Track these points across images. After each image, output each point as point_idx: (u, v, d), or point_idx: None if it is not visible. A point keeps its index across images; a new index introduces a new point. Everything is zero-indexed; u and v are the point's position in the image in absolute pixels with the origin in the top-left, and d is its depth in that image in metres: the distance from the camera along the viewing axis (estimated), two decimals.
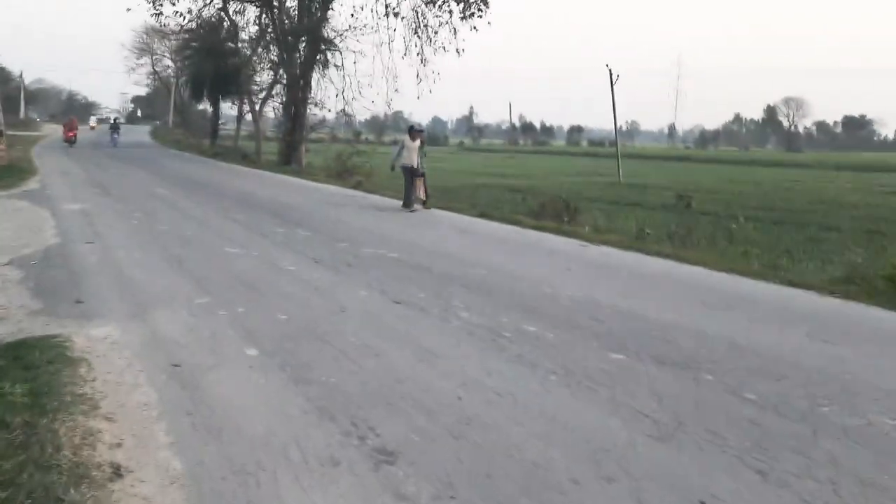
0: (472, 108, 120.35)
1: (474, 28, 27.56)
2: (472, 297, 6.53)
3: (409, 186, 13.87)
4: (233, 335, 5.07)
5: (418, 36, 27.90)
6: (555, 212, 14.15)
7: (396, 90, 32.20)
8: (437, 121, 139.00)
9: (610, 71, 39.61)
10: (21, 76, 77.70)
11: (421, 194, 14.05)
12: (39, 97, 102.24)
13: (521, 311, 6.01)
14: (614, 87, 39.73)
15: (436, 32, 27.73)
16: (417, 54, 27.98)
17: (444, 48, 27.89)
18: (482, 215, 13.48)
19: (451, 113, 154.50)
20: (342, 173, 24.29)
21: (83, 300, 5.93)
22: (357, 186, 18.51)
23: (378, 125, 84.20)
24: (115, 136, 38.65)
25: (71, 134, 35.22)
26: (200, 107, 57.66)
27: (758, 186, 35.53)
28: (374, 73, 38.00)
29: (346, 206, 14.44)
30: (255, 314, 5.65)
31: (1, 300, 5.95)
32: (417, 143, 13.94)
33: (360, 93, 28.90)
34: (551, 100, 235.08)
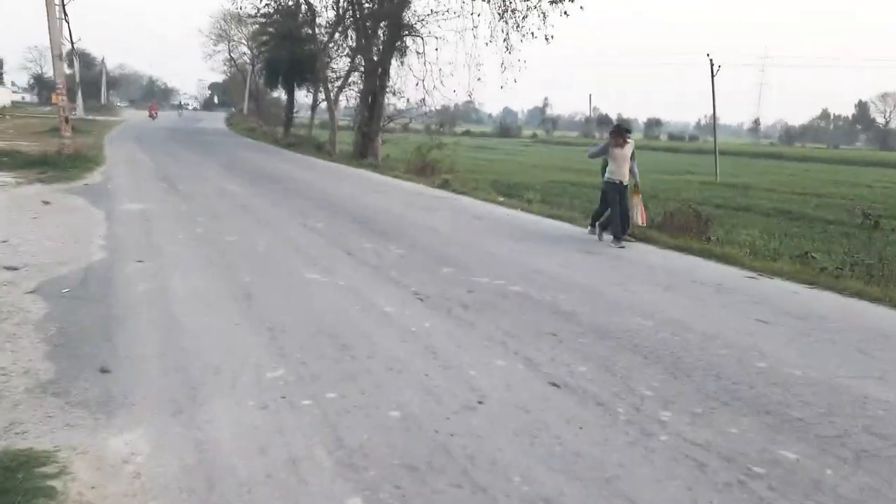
0: (546, 99, 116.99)
1: (565, 13, 25.21)
2: (657, 375, 4.46)
3: (615, 209, 9.84)
4: (324, 461, 3.17)
5: (505, 21, 25.76)
6: (685, 223, 11.88)
7: (479, 79, 30.33)
8: (507, 111, 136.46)
9: (711, 61, 36.56)
10: (103, 62, 79.26)
11: (640, 219, 10.45)
12: (121, 82, 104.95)
13: (755, 413, 3.92)
14: (712, 78, 36.70)
15: (525, 17, 25.51)
16: (504, 40, 25.85)
17: (532, 34, 25.66)
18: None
19: (521, 103, 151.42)
20: (423, 168, 22.51)
21: (111, 368, 4.17)
22: (444, 186, 16.58)
23: (449, 116, 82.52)
24: (180, 113, 55.19)
25: (153, 111, 52.06)
26: (274, 94, 57.14)
27: (871, 190, 32.03)
28: (455, 60, 36.15)
29: (438, 211, 12.51)
30: (352, 407, 3.75)
31: (2, 358, 4.25)
32: (628, 149, 10.12)
33: (441, 81, 27.07)
34: (626, 91, 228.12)
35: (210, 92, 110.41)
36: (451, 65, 26.79)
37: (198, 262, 7.17)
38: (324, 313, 5.56)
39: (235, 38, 61.66)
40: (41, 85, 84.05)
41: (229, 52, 64.49)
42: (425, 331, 5.22)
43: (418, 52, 27.04)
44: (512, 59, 25.97)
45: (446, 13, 27.17)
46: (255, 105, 62.05)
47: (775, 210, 22.22)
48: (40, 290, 5.90)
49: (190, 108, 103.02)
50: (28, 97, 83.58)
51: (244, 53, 62.18)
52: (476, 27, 26.45)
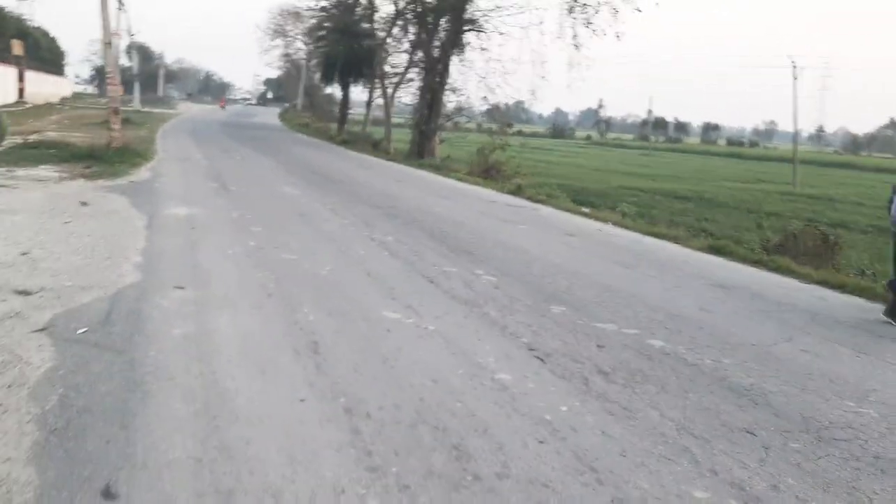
0: (601, 100, 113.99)
1: (637, 10, 23.32)
2: None
3: None
4: None
5: (574, 17, 24.02)
6: (811, 248, 10.11)
7: (543, 77, 28.70)
8: (559, 112, 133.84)
9: (794, 64, 34.14)
10: (162, 56, 79.90)
11: None
12: (179, 76, 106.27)
13: None
14: (793, 82, 34.29)
15: (596, 12, 23.70)
16: (573, 37, 24.11)
17: (603, 31, 23.84)
18: (714, 249, 9.58)
19: (572, 105, 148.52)
20: (487, 170, 20.99)
21: (119, 490, 2.75)
22: (518, 192, 14.99)
23: (500, 116, 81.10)
24: (245, 104, 58.91)
25: (223, 104, 60.22)
26: (328, 90, 56.33)
27: None
28: (519, 57, 34.49)
29: (520, 224, 10.94)
30: None
31: None
32: None
33: (504, 79, 25.52)
34: (682, 94, 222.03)
35: (265, 87, 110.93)
36: (514, 62, 25.04)
37: (250, 292, 5.76)
38: (418, 382, 4.07)
39: (291, 34, 61.05)
40: (101, 77, 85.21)
41: (285, 47, 63.98)
42: (566, 422, 3.67)
43: (482, 48, 25.55)
44: (579, 57, 24.31)
45: (511, 8, 25.69)
46: (308, 101, 61.40)
47: (874, 227, 20.10)
48: (51, 328, 4.57)
49: (245, 102, 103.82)
50: (89, 88, 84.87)
51: (299, 49, 61.58)
52: (542, 23, 24.88)
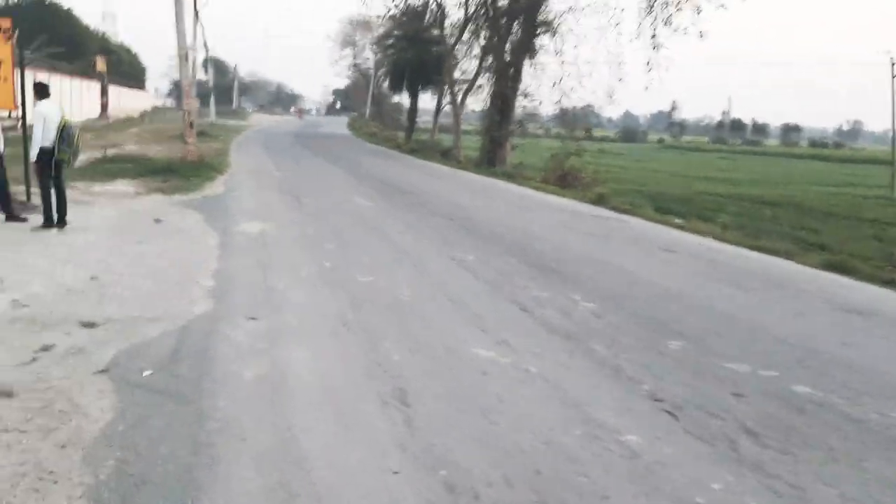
0: (674, 102, 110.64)
1: (722, 6, 21.99)
2: None
3: None
4: None
5: (654, 16, 22.88)
6: None
7: (620, 79, 27.68)
8: (628, 115, 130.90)
9: (892, 62, 31.86)
10: (236, 69, 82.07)
11: None
12: (252, 88, 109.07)
13: None
14: (892, 80, 32.04)
15: (678, 10, 22.49)
16: (652, 37, 22.98)
17: (685, 30, 22.60)
18: (833, 266, 8.54)
19: (642, 107, 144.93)
20: (563, 178, 20.15)
21: None
22: (600, 202, 14.12)
23: (573, 121, 79.65)
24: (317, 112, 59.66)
25: (300, 115, 64.70)
26: (395, 99, 56.48)
27: None
28: (594, 60, 33.43)
29: (609, 238, 10.14)
30: None
31: None
32: None
33: (579, 82, 24.61)
34: (759, 94, 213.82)
35: (333, 97, 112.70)
36: (589, 64, 24.10)
37: (326, 322, 5.22)
38: (529, 446, 3.41)
39: (361, 43, 61.64)
40: (178, 90, 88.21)
41: (354, 57, 64.62)
42: None
43: (556, 51, 24.72)
44: (659, 58, 23.16)
45: (587, 9, 24.79)
46: (376, 110, 61.73)
47: None
48: (115, 369, 4.14)
49: (314, 112, 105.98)
50: (168, 102, 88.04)
51: (368, 58, 62.05)
52: (619, 23, 23.87)
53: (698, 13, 21.69)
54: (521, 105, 26.57)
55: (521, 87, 25.95)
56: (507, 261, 7.96)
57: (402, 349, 4.70)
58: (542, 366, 4.54)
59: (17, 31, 9.39)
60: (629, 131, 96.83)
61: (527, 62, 25.69)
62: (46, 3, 40.30)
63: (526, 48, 25.36)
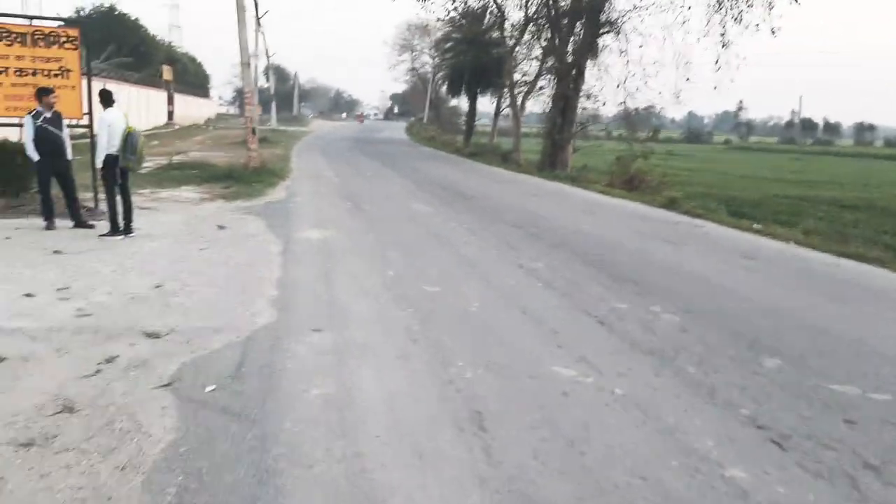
0: (740, 102, 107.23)
1: (796, 1, 20.92)
2: None
3: None
4: None
5: (723, 12, 21.98)
6: None
7: (688, 79, 26.72)
8: (692, 116, 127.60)
9: None
10: (296, 76, 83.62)
11: None
12: (311, 95, 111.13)
13: None
14: None
15: (750, 5, 21.54)
16: (721, 34, 22.08)
17: (756, 26, 21.63)
18: None
19: (706, 108, 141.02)
20: (629, 181, 19.52)
21: None
22: (671, 206, 13.53)
23: (632, 122, 78.22)
24: (374, 117, 72.18)
25: (361, 119, 70.52)
26: (452, 103, 56.45)
27: None
28: (660, 59, 32.54)
29: (685, 244, 9.61)
30: None
31: None
32: None
33: (645, 82, 23.86)
34: (830, 93, 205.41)
35: (391, 102, 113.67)
36: (655, 64, 23.30)
37: (394, 337, 4.96)
38: (623, 481, 3.05)
39: (418, 48, 61.87)
40: (241, 97, 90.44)
41: (412, 61, 64.91)
42: None
43: (621, 51, 24.06)
44: (728, 56, 22.23)
45: (652, 7, 24.08)
46: (434, 114, 61.81)
47: None
48: (178, 384, 3.97)
49: (372, 117, 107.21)
50: (231, 109, 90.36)
51: (426, 63, 62.22)
52: (686, 21, 23.05)
53: (770, 9, 20.77)
54: (583, 107, 26.02)
55: (584, 88, 25.39)
56: (579, 269, 7.57)
57: (474, 366, 4.40)
58: (628, 387, 4.17)
59: (87, 42, 9.50)
60: (694, 132, 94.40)
61: (589, 63, 25.14)
62: (116, 13, 41.70)
63: (588, 48, 24.77)
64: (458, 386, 4.06)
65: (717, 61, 22.15)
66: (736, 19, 21.64)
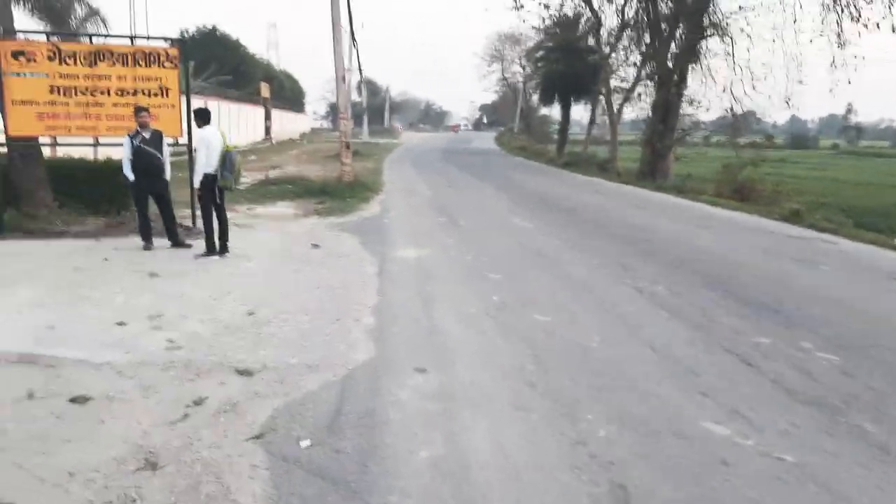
0: (849, 104, 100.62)
1: None
2: None
3: None
4: None
5: (839, 10, 20.24)
6: None
7: (801, 81, 24.90)
8: (795, 120, 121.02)
9: None
10: (387, 89, 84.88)
11: None
12: (402, 107, 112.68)
13: None
14: None
15: (870, 1, 19.75)
16: (838, 35, 20.35)
17: (877, 25, 19.81)
18: None
19: (809, 111, 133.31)
20: (738, 191, 18.19)
21: None
22: (794, 219, 12.32)
23: (738, 127, 74.80)
24: (463, 128, 71.28)
25: (455, 130, 70.76)
26: (542, 111, 55.53)
27: None
28: (769, 62, 30.67)
29: (820, 263, 8.54)
30: None
31: None
32: None
33: (752, 86, 22.34)
34: None
35: (480, 112, 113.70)
36: (765, 66, 21.76)
37: (507, 380, 4.35)
38: None
39: (509, 58, 61.38)
40: (334, 112, 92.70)
41: (502, 71, 64.43)
42: None
43: (727, 53, 22.63)
44: (845, 56, 20.43)
45: (759, 7, 22.53)
46: (524, 123, 61.08)
47: None
48: (269, 435, 3.52)
49: (462, 128, 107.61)
50: (325, 123, 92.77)
51: (516, 72, 61.60)
52: (797, 21, 21.41)
53: (891, 7, 18.94)
54: (685, 113, 24.69)
55: (686, 93, 24.08)
56: (704, 293, 6.74)
57: (607, 421, 3.73)
58: (798, 452, 3.40)
59: (189, 61, 9.48)
60: (799, 137, 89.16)
61: (692, 67, 23.81)
62: (217, 34, 43.35)
63: (691, 52, 23.47)
64: (591, 449, 3.41)
65: (832, 62, 20.46)
66: (854, 18, 19.95)
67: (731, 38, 22.69)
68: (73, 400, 3.94)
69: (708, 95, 25.12)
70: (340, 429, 3.60)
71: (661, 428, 3.67)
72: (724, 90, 22.58)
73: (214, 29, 44.22)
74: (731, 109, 23.08)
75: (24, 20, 15.07)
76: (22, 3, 15.42)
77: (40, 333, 5.03)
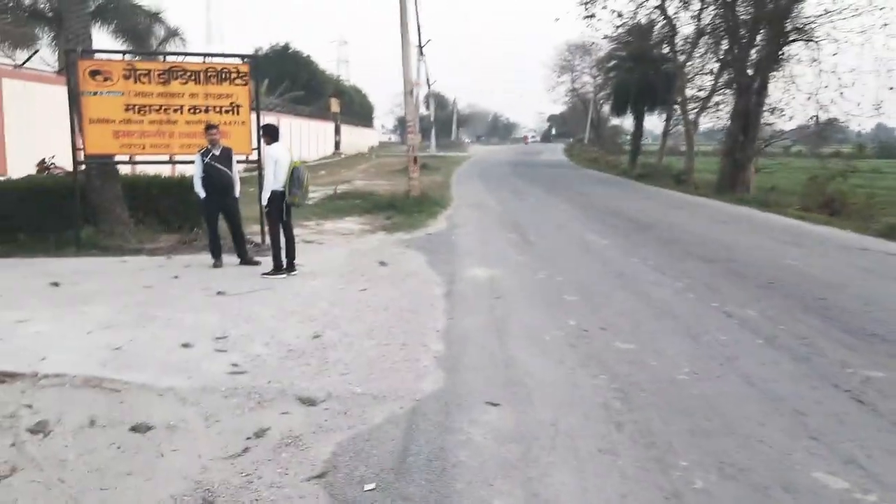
0: None
1: None
2: None
3: None
4: None
5: None
6: None
7: (892, 88, 23.45)
8: (880, 128, 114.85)
9: None
10: (454, 102, 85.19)
11: None
12: (470, 120, 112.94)
13: None
14: None
15: None
16: None
17: None
18: None
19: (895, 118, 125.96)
20: (826, 204, 17.12)
21: None
22: (894, 235, 11.39)
23: (824, 137, 71.50)
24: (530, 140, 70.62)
25: (526, 141, 78.98)
26: (614, 122, 54.45)
27: None
28: (858, 67, 29.15)
29: None
30: None
31: None
32: None
33: (840, 93, 21.09)
34: None
35: (548, 124, 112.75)
36: (853, 72, 20.53)
37: (590, 419, 3.97)
38: None
39: (578, 68, 60.47)
40: (402, 126, 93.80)
41: (571, 82, 63.53)
42: None
43: (813, 59, 21.46)
44: None
45: (846, 11, 21.29)
46: (595, 134, 60.05)
47: None
48: (331, 475, 3.27)
49: (530, 139, 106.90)
50: (393, 137, 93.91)
51: (586, 83, 60.64)
52: (886, 24, 20.19)
53: None
54: (766, 122, 23.56)
55: (768, 102, 22.97)
56: (802, 318, 6.16)
57: (705, 470, 3.31)
58: None
59: (262, 78, 9.50)
60: (887, 146, 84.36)
61: (773, 74, 22.72)
62: (290, 51, 44.37)
63: (773, 59, 22.39)
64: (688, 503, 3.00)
65: None
66: None
67: (817, 44, 21.56)
68: (134, 429, 3.80)
69: (791, 104, 23.85)
70: (408, 471, 3.31)
71: (766, 479, 3.23)
72: (808, 98, 21.42)
73: (287, 46, 45.31)
74: (816, 118, 21.89)
75: (107, 41, 15.61)
76: (106, 25, 16.00)
77: (107, 355, 4.96)
